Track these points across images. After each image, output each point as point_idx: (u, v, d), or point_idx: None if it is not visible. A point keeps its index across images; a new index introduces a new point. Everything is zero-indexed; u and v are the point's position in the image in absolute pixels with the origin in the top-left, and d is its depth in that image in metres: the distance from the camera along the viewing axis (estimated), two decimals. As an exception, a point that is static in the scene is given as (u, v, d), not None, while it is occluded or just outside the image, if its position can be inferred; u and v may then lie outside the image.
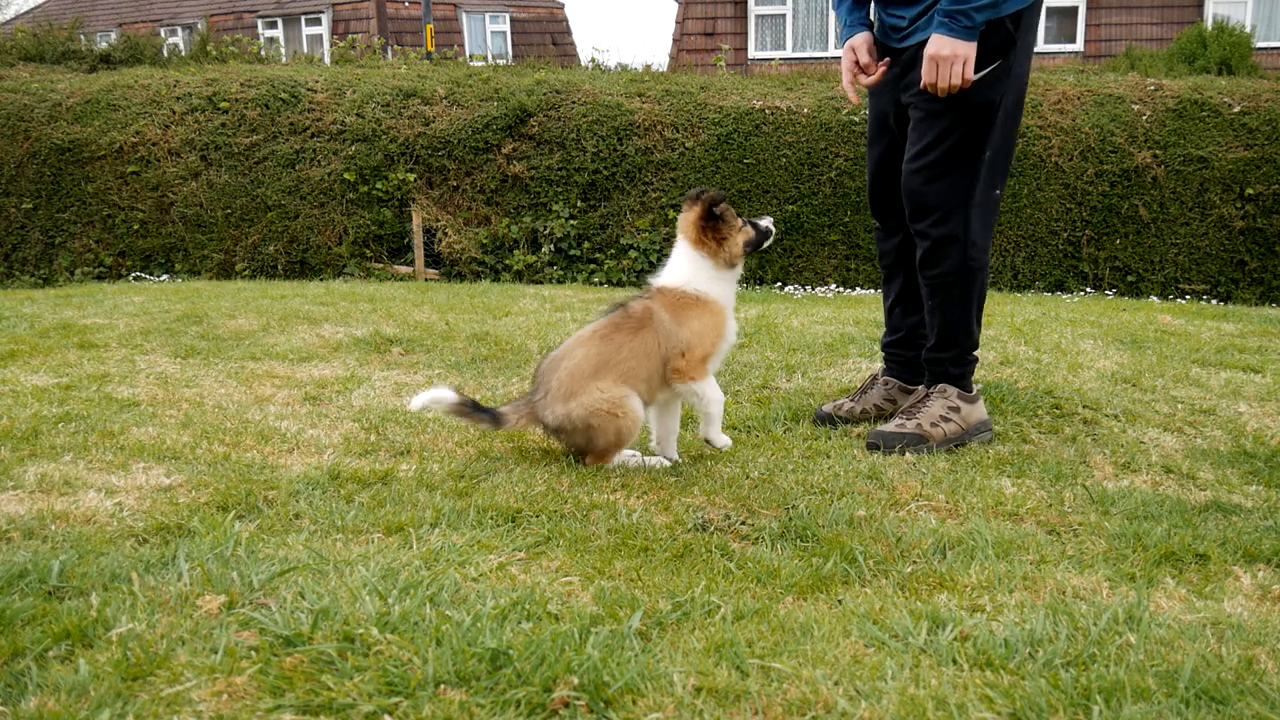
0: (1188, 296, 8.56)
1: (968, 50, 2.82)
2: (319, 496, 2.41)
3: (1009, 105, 2.97)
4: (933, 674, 1.60)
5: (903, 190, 3.09)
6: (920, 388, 3.29)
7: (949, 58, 2.83)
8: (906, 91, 3.05)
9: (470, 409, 2.72)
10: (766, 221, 3.01)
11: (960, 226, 3.01)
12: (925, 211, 3.03)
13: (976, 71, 2.86)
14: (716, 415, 2.86)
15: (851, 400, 3.36)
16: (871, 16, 3.20)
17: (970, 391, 3.18)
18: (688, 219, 2.89)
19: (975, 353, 3.23)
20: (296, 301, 5.57)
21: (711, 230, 2.86)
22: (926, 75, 2.88)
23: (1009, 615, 1.82)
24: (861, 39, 3.13)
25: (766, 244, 3.01)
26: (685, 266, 2.86)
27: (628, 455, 2.81)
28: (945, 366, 3.18)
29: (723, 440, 2.93)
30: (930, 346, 3.20)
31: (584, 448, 2.74)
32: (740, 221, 2.93)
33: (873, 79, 3.13)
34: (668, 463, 2.85)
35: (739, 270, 2.93)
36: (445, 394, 2.69)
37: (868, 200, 3.36)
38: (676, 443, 2.95)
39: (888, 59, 3.11)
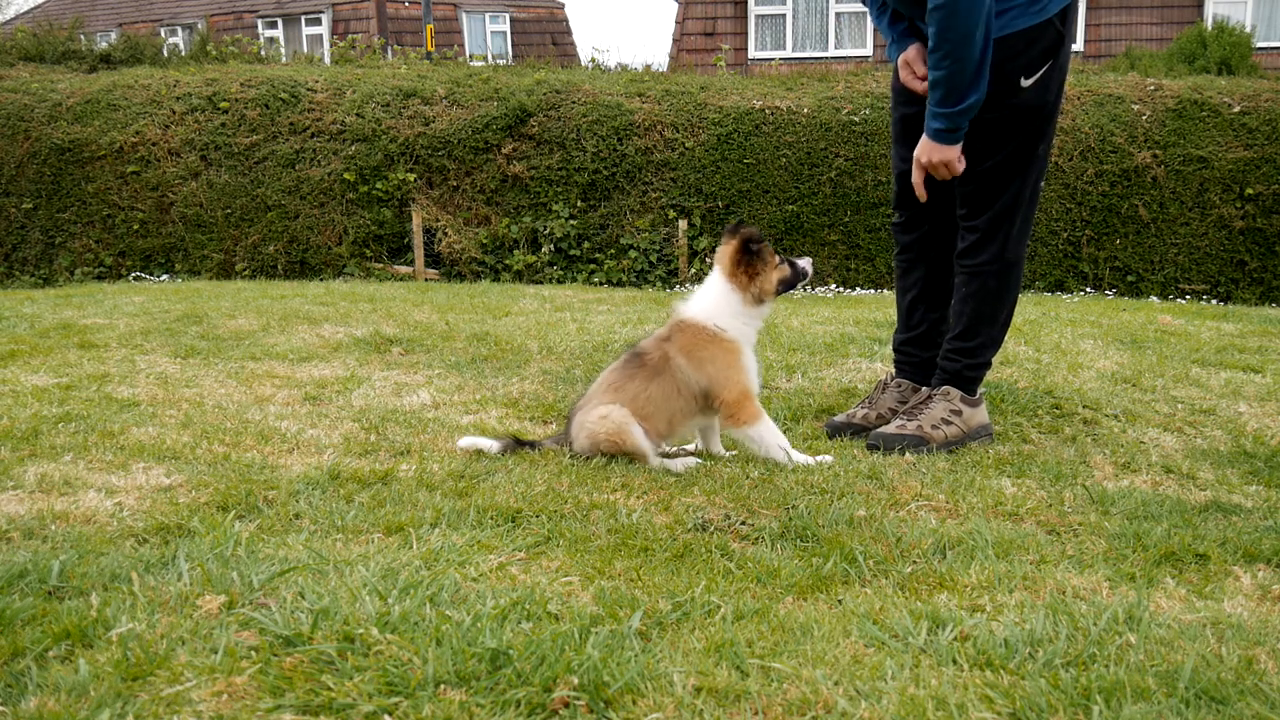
0: (1188, 296, 8.56)
1: (951, 154, 2.94)
2: (319, 496, 2.41)
3: (1057, 99, 3.01)
4: (933, 674, 1.60)
5: (958, 192, 3.09)
6: (924, 389, 3.28)
7: (934, 164, 2.97)
8: None
9: (514, 447, 2.83)
10: (805, 262, 3.03)
11: (1009, 220, 3.03)
12: (980, 211, 3.04)
13: (1030, 76, 2.89)
14: (783, 459, 2.84)
15: (865, 406, 3.32)
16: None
17: (974, 395, 3.17)
18: (725, 251, 2.93)
19: (994, 353, 3.22)
20: (296, 301, 5.57)
21: (745, 265, 2.89)
22: (915, 175, 3.03)
23: (1009, 615, 1.82)
24: (914, 50, 3.08)
25: (801, 284, 3.04)
26: (713, 297, 2.91)
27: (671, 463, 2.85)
28: (962, 362, 3.16)
29: (802, 459, 2.88)
30: (955, 335, 3.17)
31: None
32: (777, 259, 2.95)
33: (926, 86, 3.09)
34: (694, 463, 2.87)
35: (767, 308, 2.97)
36: (489, 443, 2.83)
37: (893, 193, 3.33)
38: (718, 438, 3.01)
39: None
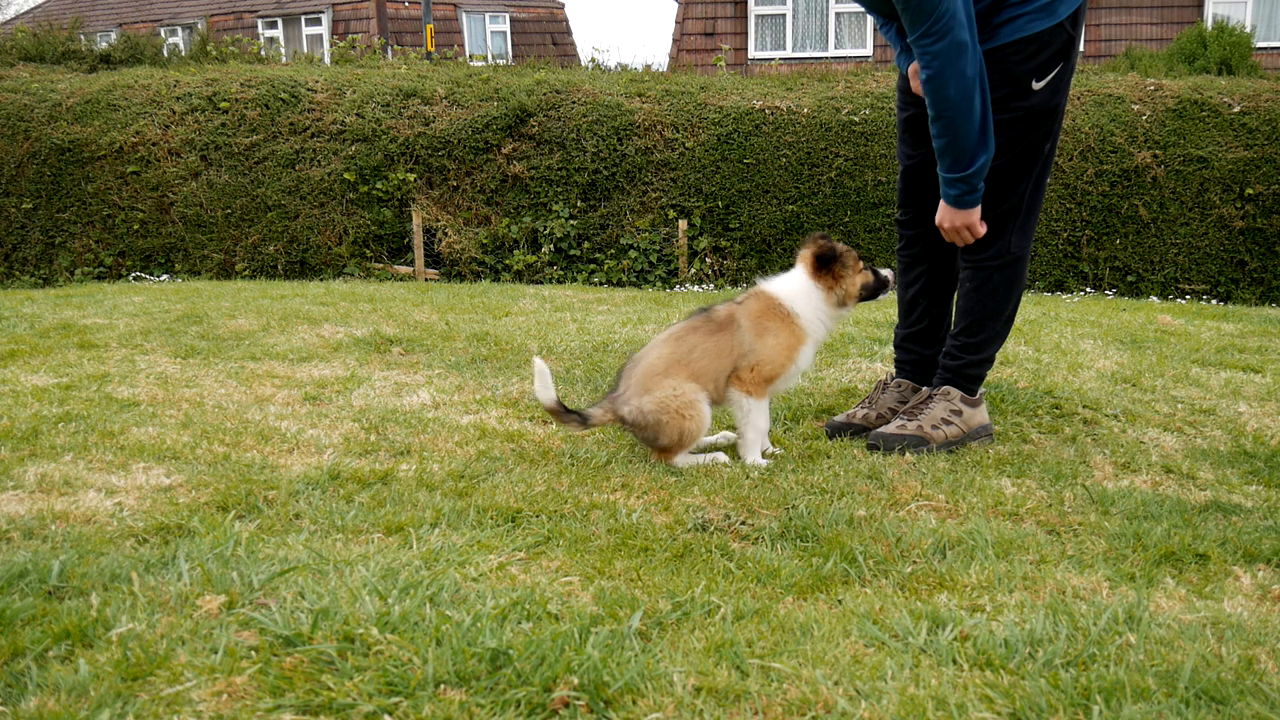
0: (1188, 296, 8.56)
1: (973, 217, 2.98)
2: (319, 496, 2.41)
3: (1064, 100, 3.02)
4: (933, 674, 1.60)
5: None
6: (924, 389, 3.28)
7: (956, 229, 3.01)
8: None
9: (561, 411, 2.81)
10: (887, 273, 3.08)
11: (1015, 216, 3.05)
12: (987, 208, 3.04)
13: (1041, 79, 2.90)
14: (753, 440, 2.90)
15: (865, 406, 3.32)
16: None
17: (974, 395, 3.17)
18: (806, 254, 2.98)
19: (997, 349, 3.23)
20: (296, 301, 5.57)
21: (827, 270, 2.95)
22: (939, 229, 3.07)
23: (1009, 615, 1.82)
24: None
25: (882, 295, 3.09)
26: (798, 285, 2.96)
27: (700, 458, 2.86)
28: (965, 359, 3.17)
29: (755, 458, 2.90)
30: (959, 330, 3.17)
31: (651, 442, 2.83)
32: (861, 264, 3.00)
33: None
34: (723, 458, 2.89)
35: (847, 311, 3.02)
36: (547, 392, 2.76)
37: (898, 189, 3.34)
38: (768, 438, 3.03)
39: None
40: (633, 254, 8.76)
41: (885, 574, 2.07)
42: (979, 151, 2.85)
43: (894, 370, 3.45)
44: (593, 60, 11.81)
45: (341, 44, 14.54)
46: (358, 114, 9.07)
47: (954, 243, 3.10)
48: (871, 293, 3.04)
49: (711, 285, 8.60)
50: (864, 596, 1.95)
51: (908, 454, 2.97)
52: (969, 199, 2.94)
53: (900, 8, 2.76)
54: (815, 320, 2.95)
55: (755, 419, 2.89)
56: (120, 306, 5.28)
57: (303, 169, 8.99)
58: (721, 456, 2.91)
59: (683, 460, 2.82)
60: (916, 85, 3.09)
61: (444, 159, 8.99)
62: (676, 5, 17.90)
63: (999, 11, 2.87)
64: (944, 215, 3.01)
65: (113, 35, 16.32)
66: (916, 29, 2.75)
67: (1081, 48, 3.07)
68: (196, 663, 1.54)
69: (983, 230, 3.01)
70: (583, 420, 2.81)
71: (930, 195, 3.14)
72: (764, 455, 2.95)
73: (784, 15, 17.70)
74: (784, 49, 17.58)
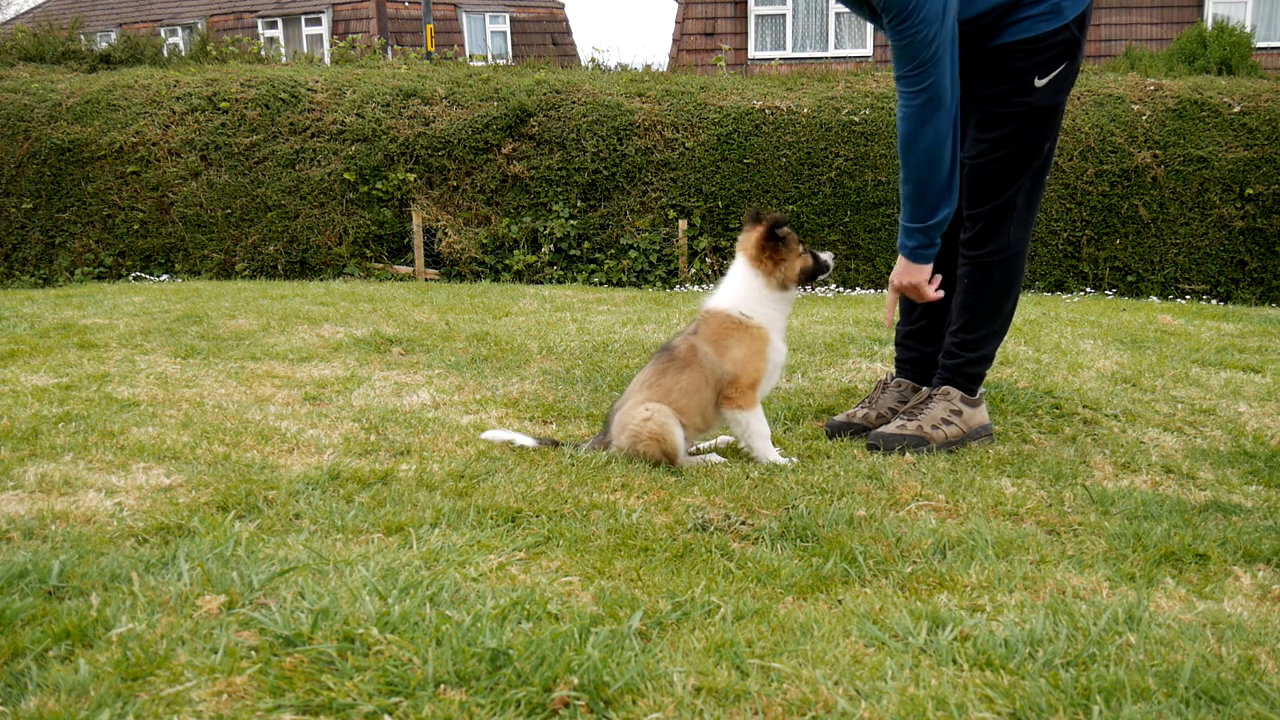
0: (1188, 296, 8.56)
1: (922, 276, 3.00)
2: (319, 496, 2.41)
3: (1066, 98, 3.03)
4: (933, 674, 1.60)
5: (964, 183, 3.10)
6: (924, 389, 3.28)
7: (904, 287, 3.04)
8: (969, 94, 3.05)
9: (551, 447, 2.86)
10: (827, 255, 3.06)
11: (1011, 211, 3.06)
12: (986, 203, 3.06)
13: (1044, 77, 2.91)
14: (763, 445, 2.89)
15: (865, 406, 3.32)
16: None
17: (974, 395, 3.17)
18: (749, 238, 2.95)
19: (997, 346, 3.23)
20: (296, 301, 5.57)
21: (770, 250, 2.91)
22: (889, 298, 3.13)
23: (1009, 615, 1.82)
24: None
25: (822, 277, 3.06)
26: (738, 285, 2.94)
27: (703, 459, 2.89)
28: (964, 356, 3.17)
29: (775, 457, 2.90)
30: (958, 326, 3.18)
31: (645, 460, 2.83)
32: (801, 248, 2.98)
33: None
34: (719, 459, 2.91)
35: (792, 294, 2.99)
36: (524, 439, 2.89)
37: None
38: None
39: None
40: (633, 254, 8.76)
41: (885, 574, 2.07)
42: (942, 204, 2.87)
43: (894, 370, 3.45)
44: (593, 60, 11.81)
45: (341, 44, 14.54)
46: (358, 114, 9.07)
47: (955, 228, 3.09)
48: (809, 276, 2.99)
49: (712, 285, 8.60)
50: (864, 596, 1.95)
51: (908, 454, 2.97)
52: (925, 253, 2.96)
53: (892, 40, 2.78)
54: (767, 314, 2.92)
55: (756, 428, 2.88)
56: (120, 306, 5.28)
57: (303, 169, 8.99)
58: (715, 457, 2.91)
59: (683, 459, 2.82)
60: None
61: (444, 159, 8.99)
62: (676, 5, 17.90)
63: (1006, 16, 2.88)
64: (898, 272, 3.03)
65: (113, 35, 16.32)
66: (903, 67, 2.77)
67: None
68: (196, 663, 1.54)
69: (932, 294, 3.02)
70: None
71: None
72: (716, 454, 2.96)
73: (784, 15, 17.70)
74: (784, 49, 17.57)
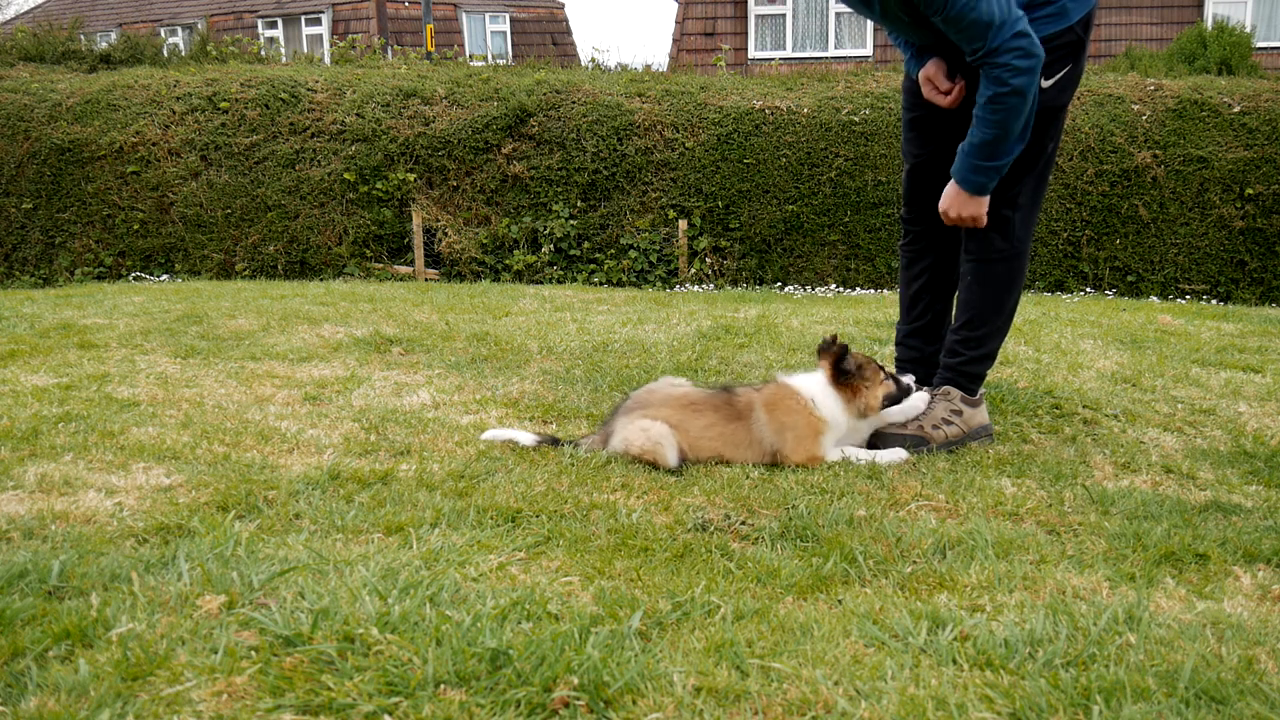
0: (1188, 296, 8.56)
1: (983, 207, 2.99)
2: (319, 496, 2.41)
3: (1069, 99, 3.04)
4: (933, 674, 1.60)
5: None
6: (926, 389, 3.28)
7: (962, 218, 3.02)
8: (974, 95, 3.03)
9: (551, 444, 2.85)
10: (909, 379, 3.00)
11: (1015, 210, 3.06)
12: (991, 202, 3.04)
13: (1050, 78, 2.91)
14: (855, 456, 2.86)
15: None
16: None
17: (974, 395, 3.17)
18: (823, 364, 2.90)
19: (998, 344, 3.23)
20: (296, 301, 5.57)
21: (845, 381, 2.86)
22: (943, 216, 3.07)
23: (1009, 615, 1.82)
24: (934, 66, 3.07)
25: (904, 402, 2.99)
26: (821, 387, 2.87)
27: None
28: (966, 355, 3.16)
29: (866, 455, 2.89)
30: (960, 324, 3.17)
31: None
32: (882, 375, 2.91)
33: (951, 98, 3.07)
34: None
35: (874, 421, 2.95)
36: (523, 435, 2.87)
37: (903, 187, 3.34)
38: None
39: (961, 80, 3.05)
40: (633, 254, 8.76)
41: (885, 574, 2.07)
42: (1016, 145, 2.88)
43: (895, 370, 3.45)
44: (593, 60, 11.81)
45: (341, 44, 14.54)
46: (358, 114, 9.07)
47: (956, 227, 3.10)
48: (893, 401, 2.94)
49: (711, 285, 8.60)
50: (864, 596, 1.95)
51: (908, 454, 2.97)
52: (988, 189, 2.95)
53: (952, 32, 2.77)
54: (839, 421, 2.85)
55: (833, 457, 2.86)
56: (120, 306, 5.28)
57: (303, 169, 8.99)
58: None
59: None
60: (930, 92, 3.08)
61: (444, 159, 8.99)
62: (676, 5, 17.89)
63: None
64: (954, 203, 3.00)
65: (113, 35, 16.32)
66: (974, 43, 2.76)
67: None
68: (196, 663, 1.54)
69: (985, 221, 3.02)
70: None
71: (935, 193, 3.15)
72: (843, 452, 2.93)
73: (784, 15, 17.70)
74: (784, 49, 17.57)
